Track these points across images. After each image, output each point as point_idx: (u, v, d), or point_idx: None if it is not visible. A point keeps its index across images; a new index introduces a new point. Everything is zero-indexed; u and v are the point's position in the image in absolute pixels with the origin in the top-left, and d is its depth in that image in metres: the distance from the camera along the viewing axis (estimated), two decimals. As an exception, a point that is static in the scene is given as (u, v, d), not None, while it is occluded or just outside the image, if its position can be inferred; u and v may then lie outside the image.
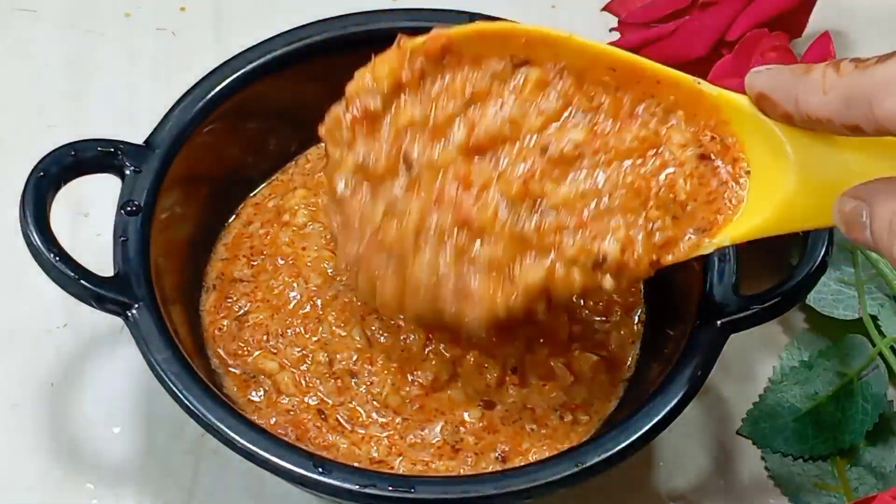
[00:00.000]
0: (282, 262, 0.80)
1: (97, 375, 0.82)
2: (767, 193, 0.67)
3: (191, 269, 0.80)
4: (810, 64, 0.62)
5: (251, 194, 0.83)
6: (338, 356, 0.77)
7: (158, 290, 0.73)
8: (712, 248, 0.68)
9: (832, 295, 0.83)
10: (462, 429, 0.76)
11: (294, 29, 0.81)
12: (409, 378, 0.76)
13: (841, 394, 0.81)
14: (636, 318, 0.80)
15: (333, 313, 0.78)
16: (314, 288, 0.79)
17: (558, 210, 0.68)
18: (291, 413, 0.76)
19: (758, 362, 0.84)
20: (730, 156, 0.68)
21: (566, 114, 0.69)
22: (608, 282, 0.68)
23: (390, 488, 0.69)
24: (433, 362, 0.76)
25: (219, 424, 0.70)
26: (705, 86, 0.68)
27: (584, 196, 0.68)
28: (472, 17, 0.81)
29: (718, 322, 0.74)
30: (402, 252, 0.69)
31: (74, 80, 0.93)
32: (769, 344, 0.84)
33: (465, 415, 0.76)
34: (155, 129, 0.77)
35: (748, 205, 0.67)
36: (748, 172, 0.68)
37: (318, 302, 0.78)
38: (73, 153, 0.74)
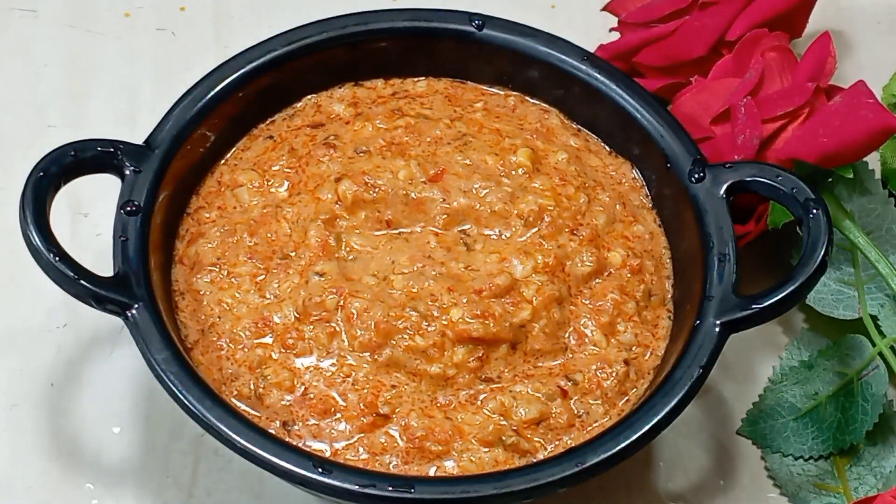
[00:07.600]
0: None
1: (97, 375, 0.82)
2: None
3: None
4: None
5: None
6: None
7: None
8: None
9: (832, 295, 0.83)
10: None
11: (294, 29, 0.81)
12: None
13: (841, 394, 0.81)
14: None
15: None
16: None
17: None
18: None
19: (758, 362, 0.84)
20: None
21: None
22: None
23: (390, 488, 0.69)
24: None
25: (218, 424, 0.70)
26: None
27: None
28: (472, 17, 0.82)
29: (718, 322, 0.74)
30: None
31: (74, 80, 0.93)
32: (769, 344, 0.84)
33: None
34: (155, 129, 0.77)
35: None
36: None
37: None
38: (73, 153, 0.74)
